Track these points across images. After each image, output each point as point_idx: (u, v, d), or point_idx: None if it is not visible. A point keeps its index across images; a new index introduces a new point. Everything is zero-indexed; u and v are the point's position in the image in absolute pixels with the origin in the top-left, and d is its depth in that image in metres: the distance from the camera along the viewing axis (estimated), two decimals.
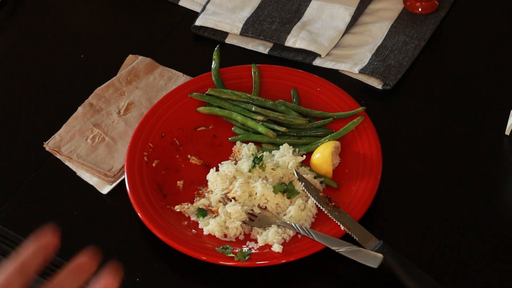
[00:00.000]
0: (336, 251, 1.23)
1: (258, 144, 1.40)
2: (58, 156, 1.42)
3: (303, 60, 1.53)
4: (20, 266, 0.76)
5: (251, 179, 1.32)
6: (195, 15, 1.62)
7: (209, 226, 1.29)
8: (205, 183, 1.36)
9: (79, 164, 1.40)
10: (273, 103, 1.42)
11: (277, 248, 1.25)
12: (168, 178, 1.37)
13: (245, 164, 1.34)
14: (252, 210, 1.31)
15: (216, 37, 1.58)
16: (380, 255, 1.21)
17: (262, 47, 1.56)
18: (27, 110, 1.50)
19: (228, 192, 1.32)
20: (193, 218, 1.32)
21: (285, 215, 1.31)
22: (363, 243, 1.25)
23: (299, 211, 1.29)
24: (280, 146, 1.37)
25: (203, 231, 1.30)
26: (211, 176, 1.35)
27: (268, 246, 1.27)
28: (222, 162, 1.37)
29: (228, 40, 1.58)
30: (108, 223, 1.35)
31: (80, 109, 1.48)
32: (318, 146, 1.37)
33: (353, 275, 1.26)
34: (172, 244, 1.27)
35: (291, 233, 1.28)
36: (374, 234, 1.26)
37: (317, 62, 1.53)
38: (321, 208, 1.29)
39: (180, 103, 1.44)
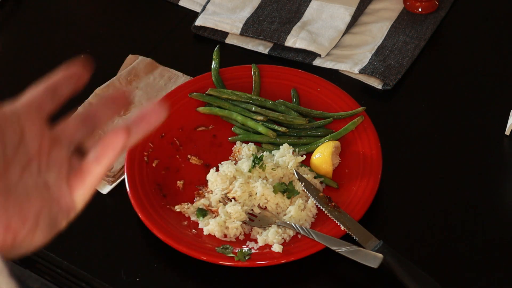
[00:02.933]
0: (336, 251, 1.23)
1: (258, 144, 1.40)
2: None
3: (303, 60, 1.53)
4: (51, 87, 0.74)
5: (251, 179, 1.32)
6: (195, 15, 1.62)
7: (209, 226, 1.29)
8: (205, 183, 1.36)
9: None
10: (273, 103, 1.42)
11: (277, 248, 1.25)
12: (168, 178, 1.37)
13: (245, 164, 1.34)
14: (252, 210, 1.31)
15: (216, 37, 1.58)
16: (380, 255, 1.21)
17: (262, 47, 1.56)
18: None
19: (228, 192, 1.32)
20: (193, 218, 1.32)
21: (285, 215, 1.31)
22: (363, 243, 1.25)
23: (299, 211, 1.29)
24: (280, 146, 1.37)
25: (203, 231, 1.30)
26: (211, 176, 1.35)
27: (268, 246, 1.27)
28: (222, 162, 1.37)
29: (228, 40, 1.58)
30: (108, 223, 1.35)
31: (80, 109, 1.48)
32: (318, 146, 1.36)
33: (353, 275, 1.26)
34: (172, 244, 1.27)
35: (291, 233, 1.28)
36: (374, 234, 1.26)
37: (317, 62, 1.53)
38: (321, 208, 1.29)
39: (180, 103, 1.44)
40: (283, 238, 1.27)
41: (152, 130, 0.74)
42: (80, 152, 0.74)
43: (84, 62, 0.76)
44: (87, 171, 0.71)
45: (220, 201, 1.32)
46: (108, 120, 0.75)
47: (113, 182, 1.38)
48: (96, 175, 0.71)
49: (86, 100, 1.49)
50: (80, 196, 0.72)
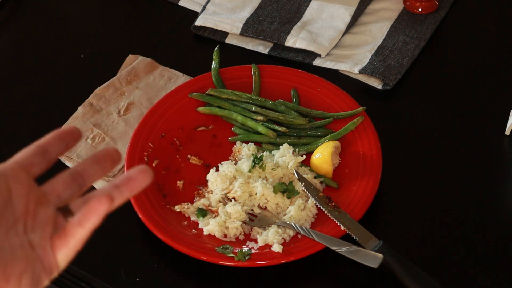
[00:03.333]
0: (336, 251, 1.23)
1: (258, 144, 1.40)
2: None
3: (303, 60, 1.53)
4: (41, 148, 0.75)
5: (251, 179, 1.32)
6: (195, 15, 1.62)
7: (209, 226, 1.29)
8: (205, 183, 1.36)
9: None
10: (273, 103, 1.43)
11: (277, 248, 1.25)
12: (168, 178, 1.37)
13: (245, 164, 1.34)
14: (252, 210, 1.31)
15: (216, 37, 1.58)
16: (380, 255, 1.21)
17: (262, 47, 1.56)
18: (27, 110, 1.50)
19: (228, 192, 1.32)
20: (193, 218, 1.32)
21: (285, 215, 1.31)
22: (363, 243, 1.25)
23: (299, 211, 1.29)
24: (280, 146, 1.37)
25: (203, 231, 1.30)
26: (211, 176, 1.35)
27: (268, 246, 1.27)
28: (222, 162, 1.37)
29: (228, 40, 1.58)
30: (108, 223, 1.34)
31: (80, 109, 1.48)
32: (318, 146, 1.37)
33: (353, 275, 1.26)
34: (172, 244, 1.27)
35: (291, 233, 1.28)
36: (374, 234, 1.26)
37: (317, 62, 1.53)
38: (321, 208, 1.29)
39: (180, 103, 1.44)
40: (283, 238, 1.27)
41: (137, 193, 0.75)
42: (65, 210, 0.75)
43: (74, 128, 0.77)
44: (71, 234, 0.72)
45: (220, 201, 1.32)
46: (96, 180, 0.76)
47: None
48: (79, 238, 0.72)
49: (86, 100, 1.49)
50: (63, 256, 0.73)
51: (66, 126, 0.78)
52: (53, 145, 0.76)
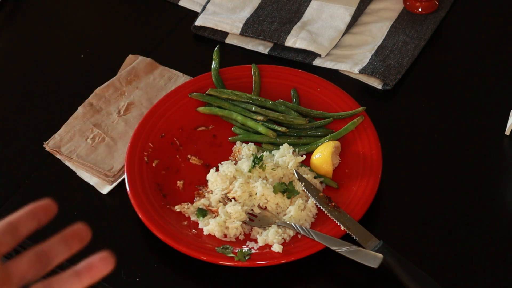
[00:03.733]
0: (336, 251, 1.23)
1: (258, 144, 1.40)
2: (58, 156, 1.42)
3: (303, 60, 1.53)
4: (11, 226, 0.73)
5: (251, 179, 1.32)
6: (195, 15, 1.62)
7: (209, 226, 1.29)
8: (205, 183, 1.36)
9: (79, 164, 1.40)
10: (273, 103, 1.42)
11: (277, 248, 1.25)
12: (168, 178, 1.37)
13: (245, 164, 1.34)
14: (252, 210, 1.31)
15: (216, 37, 1.58)
16: (380, 255, 1.21)
17: (262, 47, 1.56)
18: (27, 110, 1.50)
19: (228, 192, 1.32)
20: (193, 218, 1.32)
21: (285, 215, 1.31)
22: (363, 243, 1.25)
23: (299, 211, 1.29)
24: (280, 146, 1.37)
25: (203, 231, 1.30)
26: (211, 176, 1.35)
27: (268, 246, 1.27)
28: (222, 162, 1.37)
29: (228, 40, 1.58)
30: (108, 223, 1.34)
31: (80, 109, 1.48)
32: (318, 146, 1.37)
33: (353, 275, 1.26)
34: (172, 244, 1.27)
35: (291, 233, 1.28)
36: (374, 234, 1.26)
37: (317, 62, 1.53)
38: (321, 208, 1.29)
39: (180, 103, 1.44)
40: (283, 238, 1.27)
41: (100, 279, 0.74)
42: None
43: (49, 203, 0.75)
44: None
45: (220, 201, 1.32)
46: (62, 259, 0.75)
47: (113, 182, 1.38)
48: None
49: (86, 100, 1.49)
50: None
51: (39, 201, 0.75)
52: (25, 222, 0.74)
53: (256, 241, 1.28)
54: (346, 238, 1.26)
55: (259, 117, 1.40)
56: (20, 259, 0.73)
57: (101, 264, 0.74)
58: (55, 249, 0.74)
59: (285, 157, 1.35)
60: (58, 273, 0.73)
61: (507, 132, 1.41)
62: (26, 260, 0.73)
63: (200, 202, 1.33)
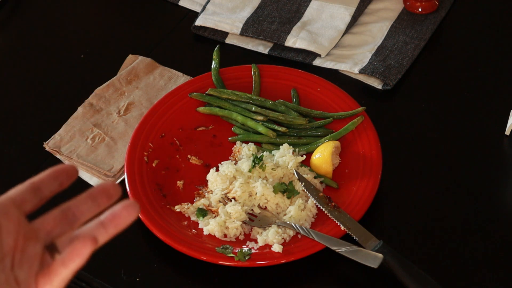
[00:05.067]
0: (336, 251, 1.23)
1: (258, 144, 1.40)
2: (58, 156, 1.42)
3: (303, 60, 1.53)
4: (35, 186, 0.75)
5: (251, 179, 1.32)
6: (195, 15, 1.62)
7: (209, 226, 1.29)
8: (205, 183, 1.36)
9: (79, 164, 1.40)
10: (273, 103, 1.43)
11: (277, 248, 1.25)
12: (168, 178, 1.37)
13: (245, 164, 1.34)
14: (252, 210, 1.31)
15: (216, 37, 1.58)
16: (380, 255, 1.21)
17: (262, 47, 1.56)
18: (27, 110, 1.50)
19: (228, 192, 1.32)
20: (193, 218, 1.32)
21: (285, 215, 1.31)
22: (363, 243, 1.25)
23: (299, 211, 1.29)
24: (280, 146, 1.37)
25: (203, 231, 1.30)
26: (211, 176, 1.35)
27: (268, 246, 1.27)
28: (222, 162, 1.37)
29: (228, 40, 1.58)
30: None
31: (80, 109, 1.48)
32: (318, 146, 1.37)
33: (353, 275, 1.26)
34: (172, 244, 1.27)
35: (291, 233, 1.28)
36: (374, 234, 1.26)
37: (317, 62, 1.53)
38: (321, 208, 1.29)
39: (180, 103, 1.44)
40: (283, 238, 1.27)
41: (123, 229, 0.75)
42: (52, 248, 0.75)
43: (70, 167, 0.77)
44: (55, 273, 0.72)
45: (220, 201, 1.32)
46: (89, 216, 0.76)
47: (113, 182, 1.38)
48: (63, 277, 0.73)
49: (86, 100, 1.49)
50: None
51: (61, 165, 0.77)
52: (47, 183, 0.76)
53: (256, 241, 1.28)
54: (346, 238, 1.26)
55: (259, 117, 1.40)
56: (47, 216, 0.74)
57: (125, 212, 0.74)
58: (82, 206, 0.75)
59: (285, 157, 1.35)
60: (83, 225, 0.74)
61: (507, 132, 1.41)
62: (52, 218, 0.74)
63: (200, 202, 1.33)
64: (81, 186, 1.39)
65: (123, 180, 1.37)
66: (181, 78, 1.52)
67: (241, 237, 1.29)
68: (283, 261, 1.25)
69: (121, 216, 0.74)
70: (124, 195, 1.34)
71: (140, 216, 1.30)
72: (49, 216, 0.75)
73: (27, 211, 0.74)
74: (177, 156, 1.40)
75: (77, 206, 0.75)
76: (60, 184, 0.76)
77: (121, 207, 0.74)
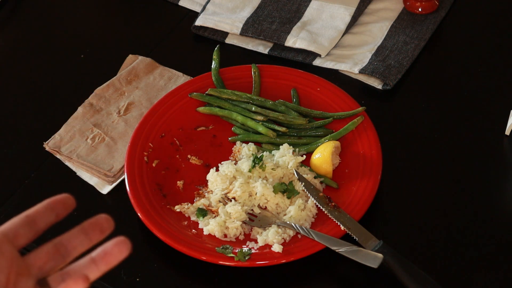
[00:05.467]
0: (336, 251, 1.23)
1: (258, 144, 1.40)
2: (58, 156, 1.42)
3: (303, 60, 1.53)
4: (30, 218, 0.74)
5: (251, 179, 1.32)
6: (195, 15, 1.62)
7: (209, 226, 1.29)
8: (205, 183, 1.36)
9: (79, 164, 1.40)
10: (273, 103, 1.43)
11: (277, 248, 1.25)
12: (168, 178, 1.37)
13: (245, 164, 1.34)
14: (252, 210, 1.31)
15: (216, 37, 1.58)
16: (380, 255, 1.21)
17: (262, 47, 1.56)
18: (27, 110, 1.50)
19: (228, 192, 1.32)
20: (193, 218, 1.32)
21: (285, 215, 1.31)
22: (363, 243, 1.25)
23: (299, 211, 1.29)
24: (280, 146, 1.37)
25: (203, 231, 1.30)
26: (211, 176, 1.35)
27: (268, 246, 1.27)
28: (222, 162, 1.37)
29: (228, 40, 1.58)
30: None
31: (80, 109, 1.48)
32: (318, 146, 1.37)
33: (353, 275, 1.26)
34: (172, 244, 1.27)
35: (291, 233, 1.28)
36: (374, 234, 1.26)
37: (317, 62, 1.53)
38: (321, 208, 1.29)
39: (180, 103, 1.44)
40: (283, 238, 1.27)
41: (115, 265, 0.75)
42: (44, 283, 0.74)
43: (67, 197, 0.76)
44: None
45: (220, 201, 1.32)
46: (81, 251, 0.75)
47: (113, 182, 1.38)
48: None
49: (86, 100, 1.49)
50: None
51: (58, 196, 0.76)
52: (43, 215, 0.75)
53: (256, 241, 1.28)
54: (346, 238, 1.26)
55: (259, 117, 1.41)
56: (39, 251, 0.74)
57: (116, 249, 0.74)
58: (75, 240, 0.75)
59: (285, 157, 1.35)
60: (75, 262, 0.74)
61: (507, 132, 1.41)
62: (45, 252, 0.74)
63: (200, 202, 1.33)
64: (81, 185, 1.39)
65: (123, 180, 1.37)
66: (181, 78, 1.52)
67: (241, 237, 1.29)
68: (283, 261, 1.25)
69: (113, 253, 0.74)
70: (122, 202, 1.34)
71: (140, 216, 1.30)
72: (41, 250, 0.74)
73: (21, 245, 0.74)
74: (177, 156, 1.40)
75: (69, 240, 0.75)
76: (56, 215, 0.76)
77: (113, 244, 0.74)
